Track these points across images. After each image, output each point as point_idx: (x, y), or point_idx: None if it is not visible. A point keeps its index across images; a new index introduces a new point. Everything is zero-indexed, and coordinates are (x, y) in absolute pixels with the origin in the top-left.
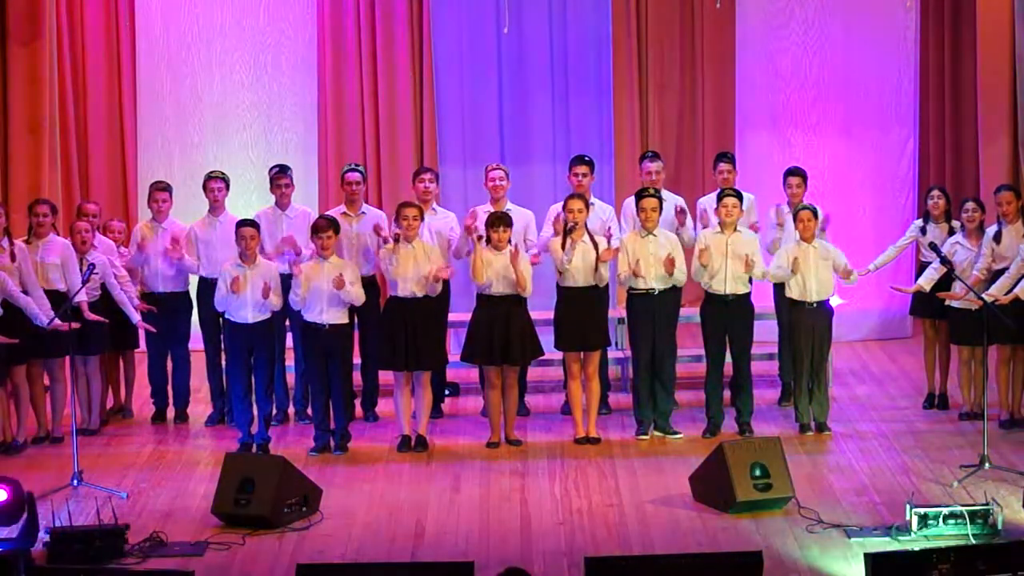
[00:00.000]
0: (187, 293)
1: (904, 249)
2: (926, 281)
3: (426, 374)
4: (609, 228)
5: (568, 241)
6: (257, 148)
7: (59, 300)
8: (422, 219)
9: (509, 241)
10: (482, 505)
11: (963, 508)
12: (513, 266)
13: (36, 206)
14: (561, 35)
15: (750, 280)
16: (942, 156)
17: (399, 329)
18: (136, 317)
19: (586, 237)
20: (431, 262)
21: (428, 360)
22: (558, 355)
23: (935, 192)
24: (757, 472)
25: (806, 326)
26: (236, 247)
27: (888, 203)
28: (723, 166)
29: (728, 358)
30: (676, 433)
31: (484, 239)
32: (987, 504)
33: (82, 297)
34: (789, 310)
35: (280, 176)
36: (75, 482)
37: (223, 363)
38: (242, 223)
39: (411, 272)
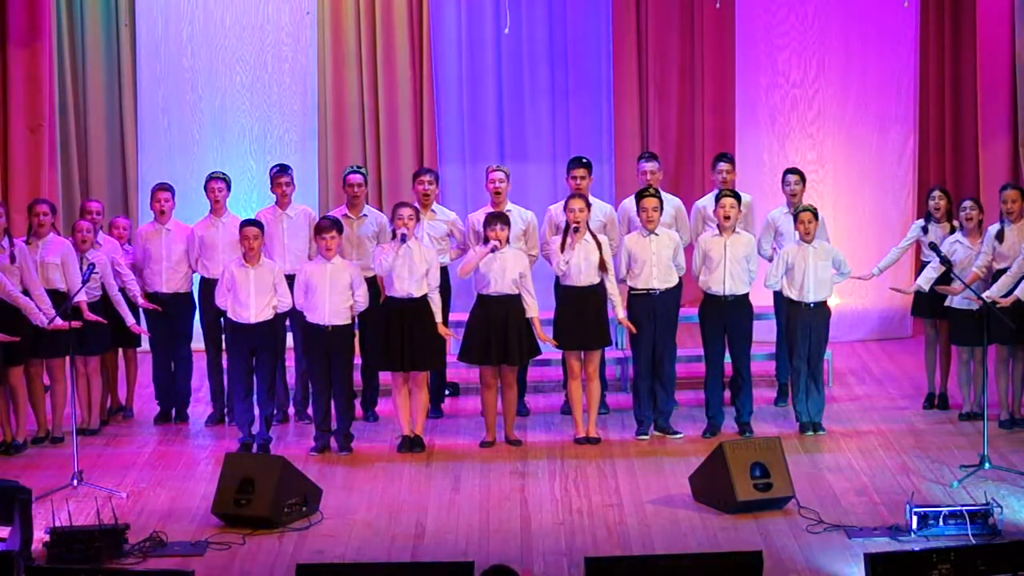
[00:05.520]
0: (190, 294)
1: (907, 250)
2: (924, 281)
3: (423, 374)
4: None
5: (568, 241)
6: (257, 148)
7: (59, 300)
8: (418, 219)
9: (507, 240)
10: (482, 505)
11: (963, 508)
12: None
13: (36, 206)
14: (561, 35)
15: (749, 281)
16: (942, 156)
17: (395, 329)
18: (130, 319)
19: (588, 236)
20: (427, 263)
21: (425, 360)
22: (558, 355)
23: (936, 192)
24: (757, 472)
25: (803, 326)
26: (239, 247)
27: (888, 203)
28: (722, 166)
29: (728, 358)
30: (676, 433)
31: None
32: (987, 504)
33: (82, 297)
34: (787, 310)
35: (281, 175)
36: (75, 482)
37: (224, 363)
38: (246, 223)
39: (407, 273)
